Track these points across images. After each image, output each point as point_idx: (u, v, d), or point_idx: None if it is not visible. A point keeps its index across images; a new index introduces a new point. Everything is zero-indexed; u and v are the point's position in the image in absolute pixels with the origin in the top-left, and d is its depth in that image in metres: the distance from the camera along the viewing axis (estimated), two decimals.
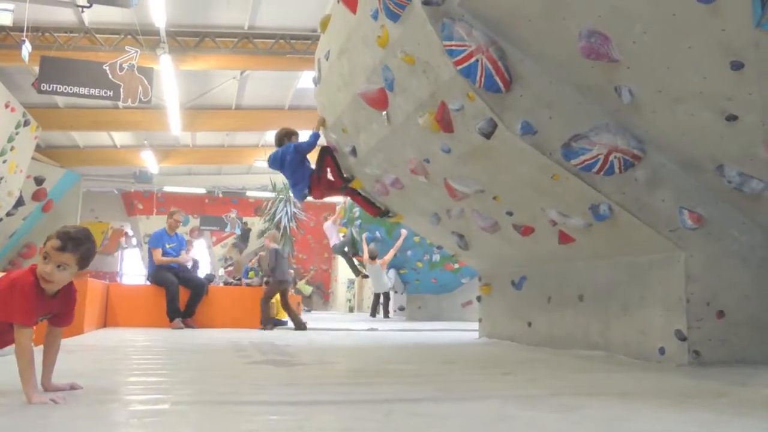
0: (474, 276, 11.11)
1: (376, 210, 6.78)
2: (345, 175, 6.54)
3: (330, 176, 6.65)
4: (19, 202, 16.70)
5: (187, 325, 8.36)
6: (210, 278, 10.03)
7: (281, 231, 22.51)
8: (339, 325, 10.55)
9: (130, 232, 26.75)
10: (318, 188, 6.50)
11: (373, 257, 13.10)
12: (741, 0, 2.74)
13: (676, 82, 3.34)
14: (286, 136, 6.74)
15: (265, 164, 18.68)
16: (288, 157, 6.50)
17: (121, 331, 7.49)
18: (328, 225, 14.78)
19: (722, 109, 3.28)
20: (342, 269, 24.87)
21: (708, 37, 3.00)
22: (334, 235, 14.63)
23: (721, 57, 3.02)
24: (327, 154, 6.50)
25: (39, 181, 17.97)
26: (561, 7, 3.37)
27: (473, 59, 3.75)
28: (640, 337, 4.26)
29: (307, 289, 23.59)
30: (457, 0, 3.74)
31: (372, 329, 9.11)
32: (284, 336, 7.13)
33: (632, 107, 3.61)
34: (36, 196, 18.12)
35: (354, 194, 6.79)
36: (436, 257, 13.01)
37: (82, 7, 10.08)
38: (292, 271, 11.55)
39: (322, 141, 6.65)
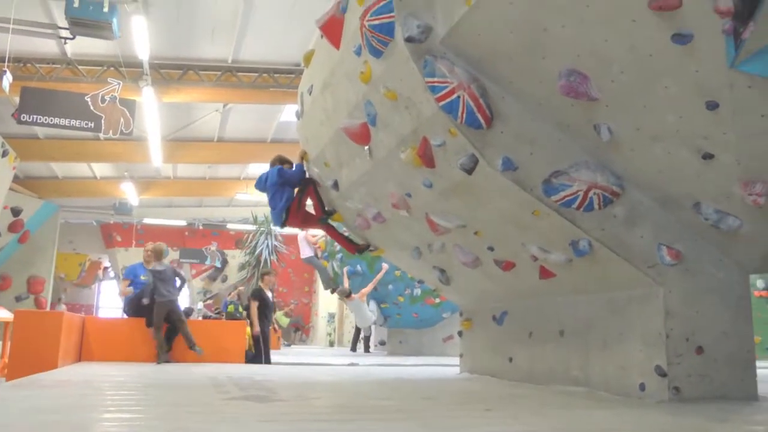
0: (455, 311, 11.08)
1: (352, 246, 6.81)
2: (327, 209, 6.56)
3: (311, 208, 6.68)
4: None
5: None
6: (188, 312, 9.90)
7: (261, 264, 22.33)
8: (319, 359, 10.44)
9: (108, 265, 26.39)
10: (296, 217, 6.53)
11: (347, 294, 12.91)
12: (715, 41, 2.82)
13: (653, 120, 3.41)
14: (279, 162, 6.79)
15: (247, 197, 18.55)
16: (270, 179, 6.56)
17: (96, 365, 7.33)
18: (301, 237, 14.49)
19: (698, 147, 3.35)
20: (323, 303, 24.66)
21: (684, 78, 3.07)
22: (306, 248, 14.39)
23: (697, 97, 3.10)
24: (310, 184, 6.53)
25: (16, 212, 17.71)
26: (541, 47, 3.44)
27: (455, 96, 3.80)
28: (620, 373, 4.25)
29: (285, 321, 23.30)
30: (439, 38, 3.81)
31: (353, 364, 9.01)
32: (264, 371, 7.03)
33: (611, 145, 3.67)
34: (12, 228, 17.84)
35: (330, 229, 6.83)
36: (418, 291, 12.97)
37: (65, 38, 10.07)
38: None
39: None
